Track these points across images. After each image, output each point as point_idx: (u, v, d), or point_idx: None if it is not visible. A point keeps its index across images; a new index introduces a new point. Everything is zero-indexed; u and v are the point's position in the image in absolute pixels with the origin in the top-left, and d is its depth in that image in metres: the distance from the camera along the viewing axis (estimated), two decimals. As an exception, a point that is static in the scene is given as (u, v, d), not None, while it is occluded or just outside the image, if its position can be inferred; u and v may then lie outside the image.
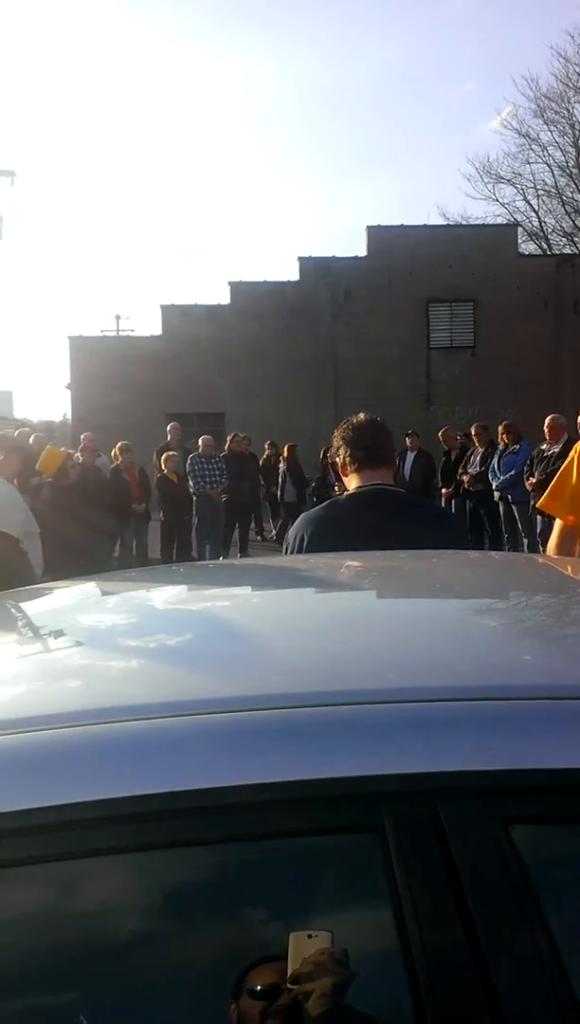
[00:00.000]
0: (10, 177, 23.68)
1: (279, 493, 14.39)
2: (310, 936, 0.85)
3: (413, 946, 0.84)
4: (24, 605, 1.77)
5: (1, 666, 1.32)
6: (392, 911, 0.86)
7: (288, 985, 0.83)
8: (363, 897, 0.94)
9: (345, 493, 2.99)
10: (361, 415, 3.03)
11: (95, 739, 0.96)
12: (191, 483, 11.35)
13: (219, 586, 1.92)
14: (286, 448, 14.45)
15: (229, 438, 13.19)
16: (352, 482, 2.90)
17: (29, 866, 0.93)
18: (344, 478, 2.99)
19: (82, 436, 11.98)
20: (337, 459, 2.98)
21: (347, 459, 2.90)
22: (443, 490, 12.02)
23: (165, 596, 1.80)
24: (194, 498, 11.38)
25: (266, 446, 15.00)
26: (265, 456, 14.79)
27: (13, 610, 1.73)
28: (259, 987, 0.86)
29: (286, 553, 2.87)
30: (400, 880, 0.86)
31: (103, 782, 0.92)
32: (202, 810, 0.90)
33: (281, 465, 14.26)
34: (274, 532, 14.78)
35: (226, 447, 12.77)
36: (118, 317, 39.68)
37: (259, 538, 14.33)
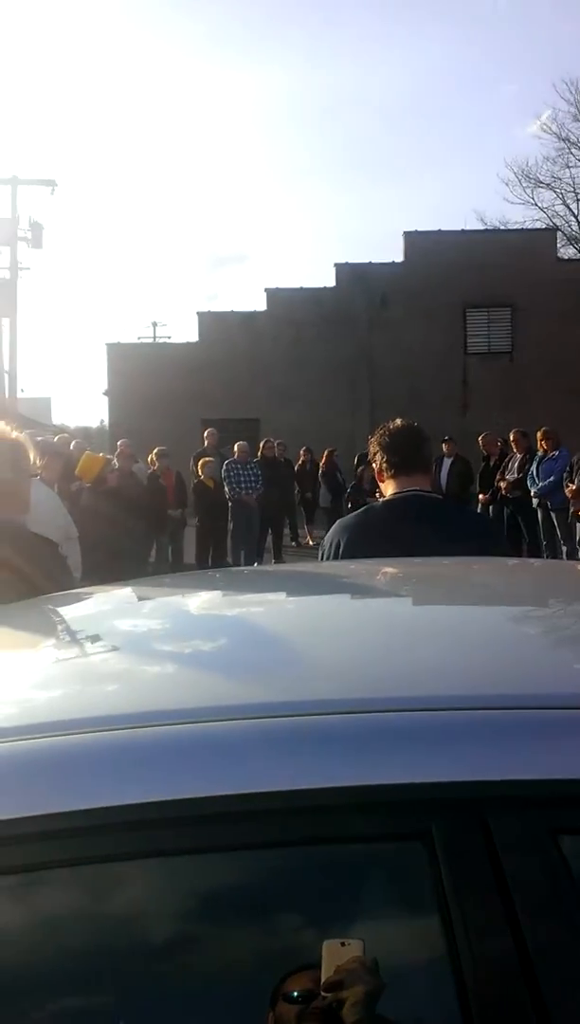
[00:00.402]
0: (51, 187, 24.10)
1: (314, 498, 14.41)
2: (343, 944, 0.85)
3: (461, 956, 0.83)
4: (65, 609, 1.79)
5: (43, 669, 1.33)
6: (439, 920, 0.85)
7: (322, 992, 0.83)
8: (410, 906, 0.93)
9: (381, 499, 2.97)
10: (398, 420, 3.01)
11: (138, 742, 0.97)
12: (227, 489, 11.40)
13: (259, 591, 1.92)
14: (326, 454, 14.46)
15: (262, 444, 13.22)
16: (389, 488, 2.88)
17: (73, 868, 0.94)
18: (381, 484, 2.97)
19: (119, 442, 12.09)
20: (374, 465, 2.96)
21: (384, 465, 2.88)
22: (480, 496, 11.91)
23: (205, 601, 1.81)
24: (230, 504, 11.41)
25: (302, 452, 15.01)
26: (300, 462, 14.80)
27: (53, 614, 1.75)
28: (295, 993, 0.86)
29: (322, 559, 2.86)
30: (448, 889, 0.86)
31: (147, 785, 0.92)
32: (245, 815, 0.90)
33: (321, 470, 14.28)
34: (309, 538, 14.80)
35: (260, 453, 12.80)
36: (155, 324, 40.10)
37: (294, 544, 14.32)
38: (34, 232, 23.90)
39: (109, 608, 1.79)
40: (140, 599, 1.84)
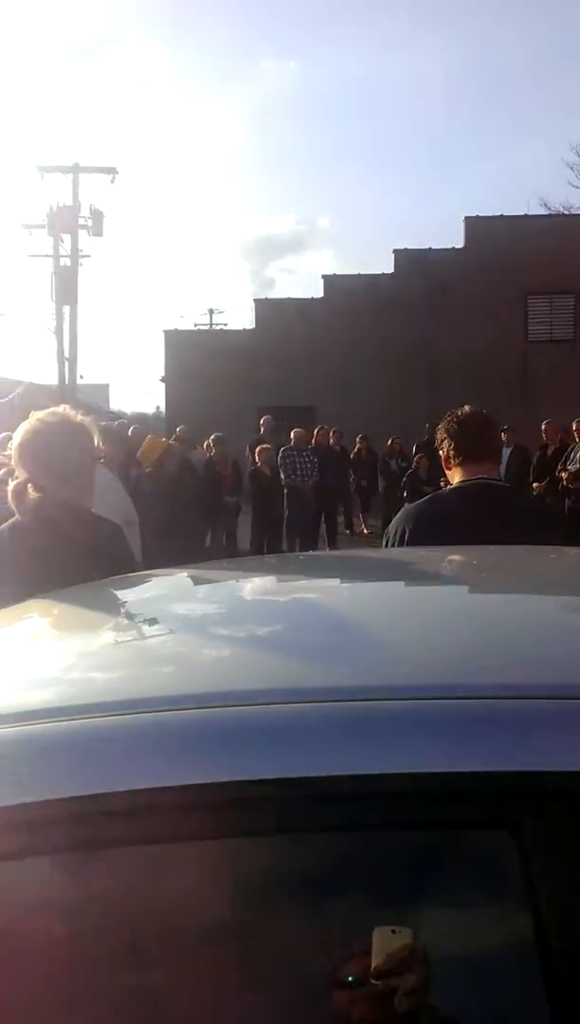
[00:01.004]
0: (111, 174, 24.30)
1: (370, 486, 14.34)
2: (394, 932, 0.85)
3: (549, 946, 0.81)
4: (130, 592, 1.79)
5: (109, 650, 1.34)
6: (526, 910, 0.84)
7: (371, 980, 0.83)
8: (496, 894, 0.92)
9: (448, 487, 2.93)
10: (466, 408, 2.96)
11: (211, 722, 0.97)
12: (282, 476, 11.40)
13: (328, 576, 1.90)
14: (391, 442, 14.41)
15: (317, 431, 13.17)
16: (456, 476, 2.84)
17: (138, 846, 0.94)
18: (447, 471, 2.93)
19: (177, 428, 12.19)
20: (441, 452, 2.92)
21: (451, 452, 2.84)
22: (535, 484, 11.68)
23: (272, 585, 1.80)
24: (285, 491, 11.42)
25: (358, 440, 14.93)
26: (356, 449, 14.73)
27: (119, 596, 1.75)
28: (349, 978, 0.86)
29: (386, 546, 2.83)
30: (536, 879, 0.84)
31: (220, 765, 0.92)
32: (322, 798, 0.89)
33: (392, 460, 14.21)
34: (364, 526, 14.74)
35: (314, 440, 12.77)
36: (212, 311, 40.31)
37: (348, 532, 14.29)
38: (95, 220, 24.13)
39: (178, 591, 1.80)
40: (206, 582, 1.84)
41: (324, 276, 22.84)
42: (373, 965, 0.83)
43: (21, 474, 2.37)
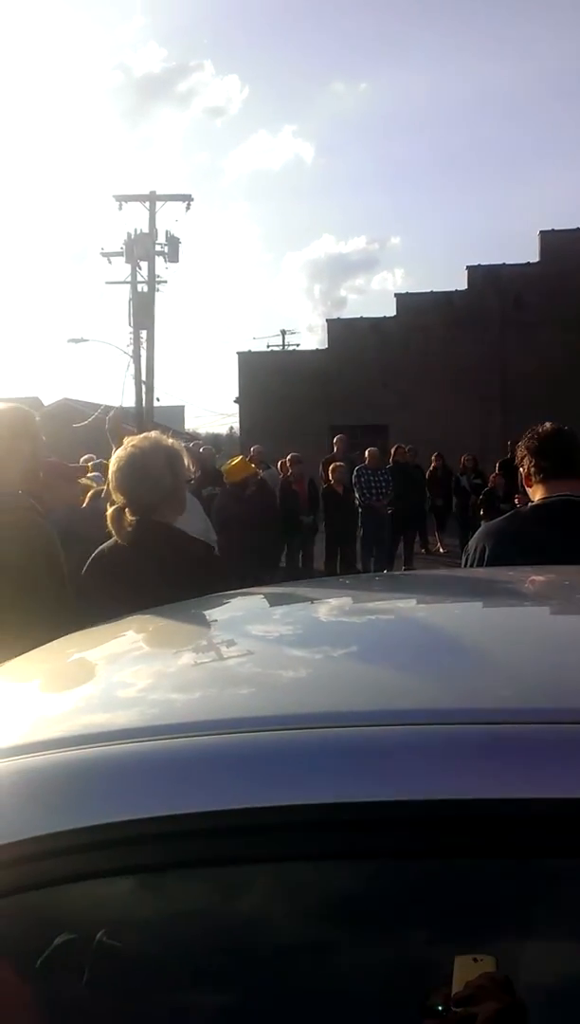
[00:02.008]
0: (186, 202, 24.84)
1: (447, 505, 14.17)
2: (475, 959, 0.84)
3: None
4: (222, 611, 1.82)
5: (208, 670, 1.36)
6: None
7: (452, 1008, 0.82)
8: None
9: (529, 504, 2.89)
10: (547, 424, 2.92)
11: (294, 744, 0.97)
12: (357, 495, 11.37)
13: (410, 598, 1.90)
14: (463, 459, 14.24)
15: (394, 449, 13.10)
16: (537, 493, 2.80)
17: (213, 868, 0.95)
18: (528, 489, 2.89)
19: (252, 448, 12.31)
20: (522, 469, 2.89)
21: (532, 469, 2.80)
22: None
23: (360, 605, 1.81)
24: (360, 510, 11.38)
25: (433, 458, 14.80)
26: (432, 467, 14.60)
27: (210, 616, 1.79)
28: (430, 1005, 0.85)
29: (466, 565, 2.81)
30: None
31: (301, 787, 0.92)
32: (400, 822, 0.88)
33: (463, 476, 14.05)
34: (439, 545, 14.57)
35: (391, 459, 12.70)
36: (284, 332, 40.60)
37: (423, 551, 14.14)
38: (171, 246, 24.66)
39: (274, 611, 1.81)
40: (296, 602, 1.86)
41: (396, 294, 22.86)
42: (454, 992, 0.82)
43: (118, 499, 2.47)
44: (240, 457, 9.38)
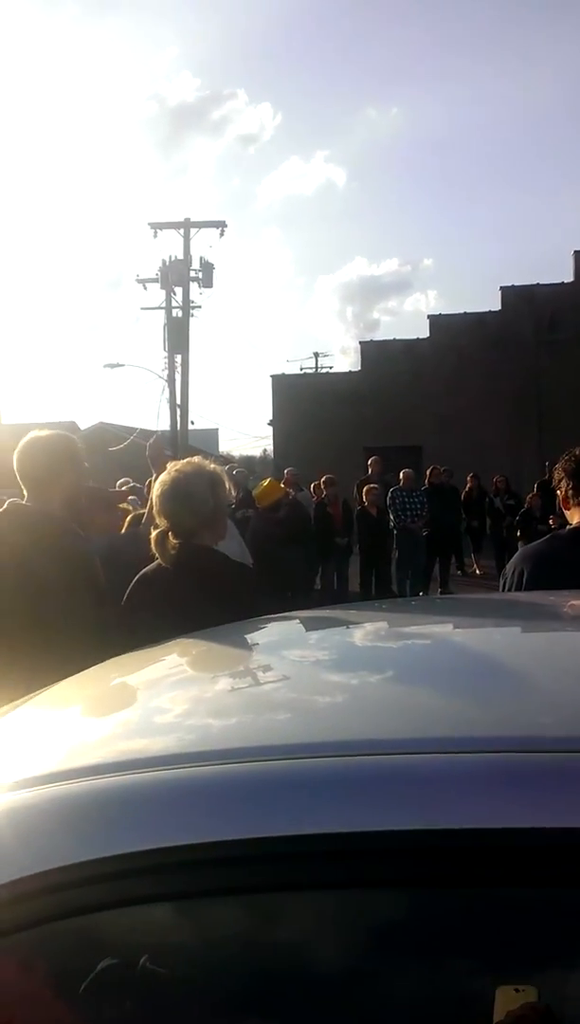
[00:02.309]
0: (220, 228, 25.18)
1: (482, 526, 14.06)
2: (517, 990, 0.83)
3: None
4: (262, 635, 1.83)
5: (250, 695, 1.36)
6: None
7: None
8: None
9: (568, 528, 2.87)
10: (585, 446, 2.90)
11: (335, 771, 0.97)
12: (392, 516, 11.34)
13: (449, 622, 1.89)
14: (498, 480, 14.13)
15: (429, 471, 13.06)
16: (576, 516, 2.78)
17: (248, 895, 0.95)
18: (566, 512, 2.86)
19: (286, 471, 12.35)
20: (559, 492, 2.87)
21: (570, 492, 2.78)
22: None
23: (397, 631, 1.80)
24: (395, 532, 11.34)
25: (468, 479, 14.72)
26: (467, 489, 14.51)
27: (251, 640, 1.79)
28: None
29: (503, 589, 2.79)
30: None
31: (337, 815, 0.91)
32: (440, 852, 0.88)
33: (496, 498, 13.94)
34: (475, 567, 14.45)
35: (426, 480, 12.66)
36: (317, 355, 40.81)
37: (459, 573, 14.03)
38: (205, 272, 24.99)
39: (315, 636, 1.81)
40: (339, 626, 1.86)
41: (430, 316, 22.88)
42: (496, 1023, 0.82)
43: (161, 522, 2.51)
44: (269, 480, 9.40)
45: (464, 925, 0.94)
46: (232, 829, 0.92)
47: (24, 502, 2.68)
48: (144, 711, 1.38)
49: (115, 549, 3.21)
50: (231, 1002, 0.96)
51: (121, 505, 4.46)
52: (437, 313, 22.95)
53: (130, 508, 4.77)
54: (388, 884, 0.91)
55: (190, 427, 25.50)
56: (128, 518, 4.17)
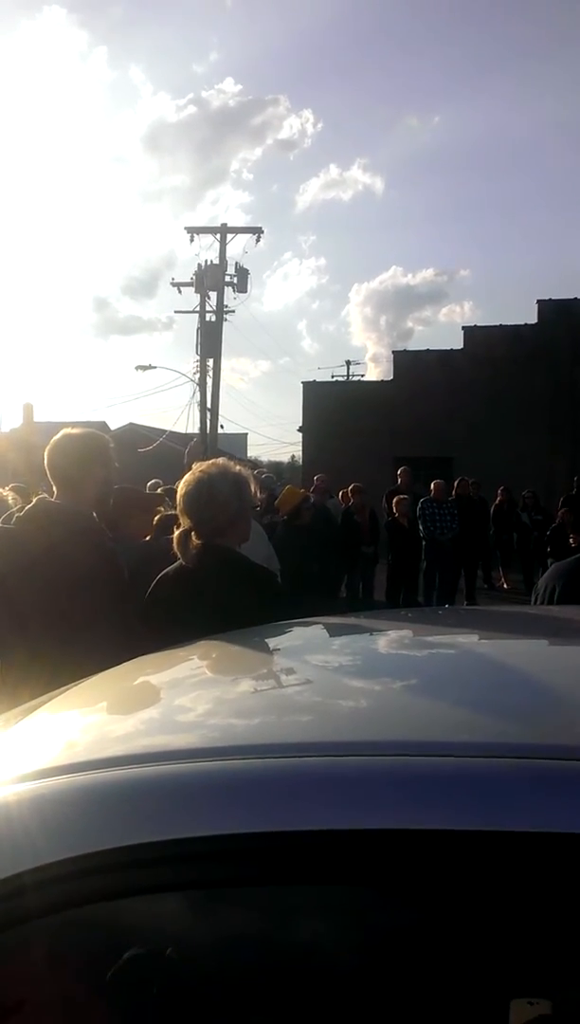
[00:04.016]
0: (257, 234, 25.32)
1: (510, 540, 13.93)
2: (530, 1003, 0.83)
3: None
4: (285, 639, 1.82)
5: (277, 694, 1.36)
6: None
7: None
8: None
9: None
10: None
11: (348, 770, 0.97)
12: (421, 527, 11.27)
13: (474, 632, 1.87)
14: (527, 495, 14.01)
15: (457, 482, 12.96)
16: (609, 533, 2.74)
17: (266, 888, 0.95)
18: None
19: (315, 477, 12.34)
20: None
21: None
22: None
23: (423, 639, 1.78)
24: (423, 543, 11.27)
25: (499, 492, 14.60)
26: (497, 502, 14.39)
27: (274, 644, 1.78)
28: None
29: (535, 603, 2.75)
30: None
31: (349, 812, 0.92)
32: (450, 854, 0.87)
33: (524, 513, 13.82)
34: (503, 580, 14.32)
35: (455, 492, 12.57)
36: (349, 363, 40.84)
37: (486, 586, 13.91)
38: (240, 277, 25.12)
39: (339, 641, 1.82)
40: (364, 632, 1.85)
41: (464, 327, 22.74)
42: None
43: (185, 522, 2.49)
44: (288, 487, 9.40)
45: (489, 929, 0.92)
46: (258, 822, 0.93)
47: (53, 499, 2.68)
48: (166, 709, 1.39)
49: (152, 553, 3.20)
50: (254, 990, 0.97)
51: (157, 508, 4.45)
52: (472, 324, 22.86)
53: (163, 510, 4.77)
54: (403, 882, 0.91)
55: (219, 431, 25.60)
56: (156, 519, 4.16)
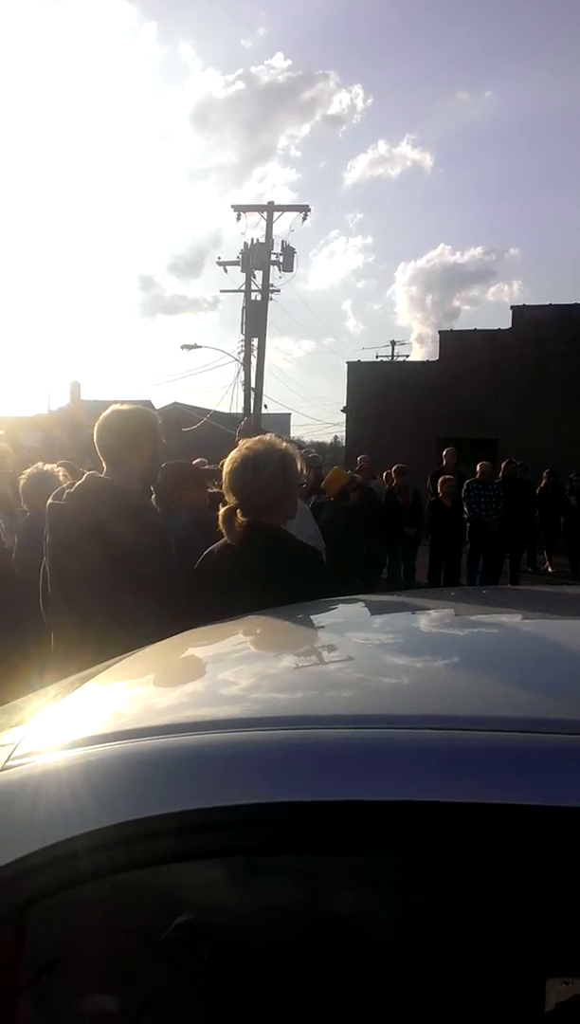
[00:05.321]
0: (304, 212, 25.12)
1: (556, 523, 13.74)
2: (566, 983, 0.83)
3: None
4: (331, 615, 1.82)
5: (331, 668, 1.37)
6: None
7: None
8: None
9: None
10: None
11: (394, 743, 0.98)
12: (466, 509, 11.18)
13: (519, 611, 1.85)
14: (574, 478, 13.78)
15: (503, 465, 12.80)
16: None
17: (304, 857, 0.97)
18: None
19: (358, 458, 12.29)
20: None
21: None
22: None
23: (469, 618, 1.78)
24: (467, 524, 11.18)
25: (545, 475, 14.39)
26: (543, 484, 14.19)
27: (320, 620, 1.79)
28: None
29: None
30: None
31: (394, 783, 0.93)
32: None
33: (572, 496, 13.60)
34: (548, 564, 14.14)
35: (501, 474, 12.41)
36: (394, 343, 40.50)
37: (531, 570, 13.76)
38: (286, 256, 24.99)
39: (386, 618, 1.82)
40: (410, 610, 1.85)
41: (513, 307, 22.37)
42: (546, 1014, 0.82)
43: (230, 499, 2.49)
44: (335, 468, 9.36)
45: (533, 903, 0.92)
46: (309, 790, 0.94)
47: (102, 475, 2.70)
48: (212, 681, 1.41)
49: (202, 526, 3.21)
50: (298, 959, 0.98)
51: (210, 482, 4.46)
52: (521, 304, 22.48)
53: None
54: (446, 851, 0.92)
55: (262, 411, 25.60)
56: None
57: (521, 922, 0.92)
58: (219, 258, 26.08)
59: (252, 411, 24.41)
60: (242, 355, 25.06)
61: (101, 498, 2.61)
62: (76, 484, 2.70)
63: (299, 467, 2.55)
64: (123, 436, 2.68)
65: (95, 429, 2.71)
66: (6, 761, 1.12)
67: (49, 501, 2.70)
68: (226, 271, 25.68)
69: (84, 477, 2.72)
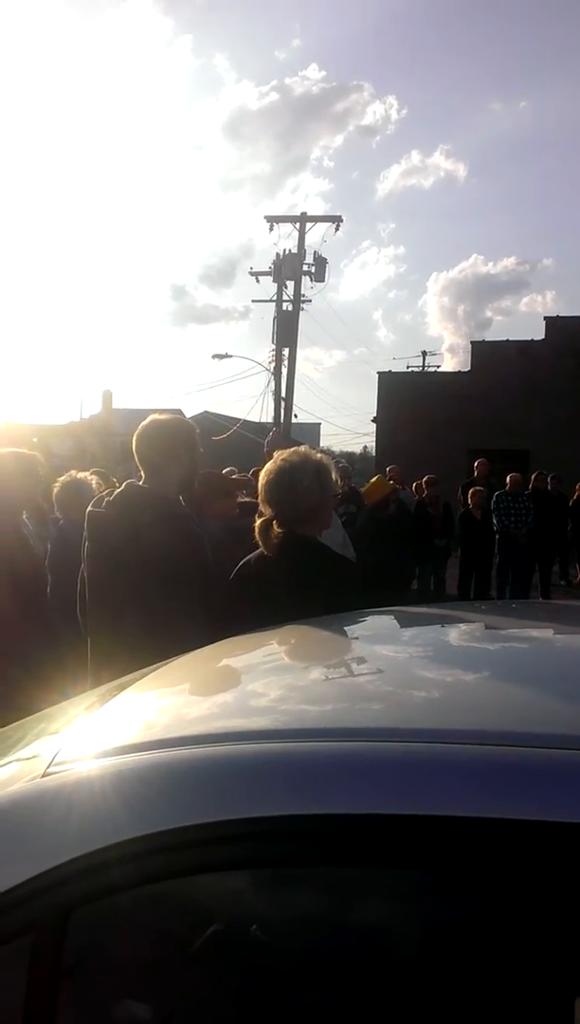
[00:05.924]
0: (336, 223, 25.18)
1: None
2: None
3: None
4: (364, 628, 1.82)
5: (362, 680, 1.36)
6: None
7: None
8: None
9: None
10: None
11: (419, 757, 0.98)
12: (495, 520, 11.09)
13: (550, 626, 1.84)
14: None
15: (533, 476, 12.69)
16: None
17: (335, 869, 0.96)
18: None
19: (388, 469, 12.24)
20: None
21: None
22: None
23: (503, 632, 1.76)
24: (497, 536, 11.09)
25: (578, 488, 14.22)
26: (576, 497, 14.03)
27: (354, 632, 1.79)
28: None
29: None
30: None
31: (416, 799, 0.92)
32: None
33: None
34: (579, 577, 13.98)
35: (531, 486, 12.30)
36: (425, 353, 40.43)
37: (563, 583, 13.60)
38: (318, 266, 25.04)
39: (420, 631, 1.81)
40: (443, 623, 1.85)
41: (546, 317, 22.22)
42: None
43: (266, 511, 2.51)
44: (378, 476, 9.27)
45: (555, 916, 0.91)
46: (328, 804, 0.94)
47: (141, 483, 2.73)
48: (244, 692, 1.42)
49: (231, 536, 3.23)
50: (329, 972, 0.98)
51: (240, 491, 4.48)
52: (554, 315, 22.31)
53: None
54: (470, 869, 0.91)
55: (293, 421, 25.62)
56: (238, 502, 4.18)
57: (553, 940, 0.91)
58: (251, 268, 26.36)
59: (282, 421, 24.46)
60: (273, 365, 25.14)
61: (138, 507, 2.64)
62: (115, 492, 2.73)
63: (334, 478, 2.56)
64: (162, 445, 2.71)
65: (134, 438, 2.74)
66: (47, 768, 1.13)
67: (88, 509, 2.74)
68: (258, 281, 25.82)
69: (123, 485, 2.75)
